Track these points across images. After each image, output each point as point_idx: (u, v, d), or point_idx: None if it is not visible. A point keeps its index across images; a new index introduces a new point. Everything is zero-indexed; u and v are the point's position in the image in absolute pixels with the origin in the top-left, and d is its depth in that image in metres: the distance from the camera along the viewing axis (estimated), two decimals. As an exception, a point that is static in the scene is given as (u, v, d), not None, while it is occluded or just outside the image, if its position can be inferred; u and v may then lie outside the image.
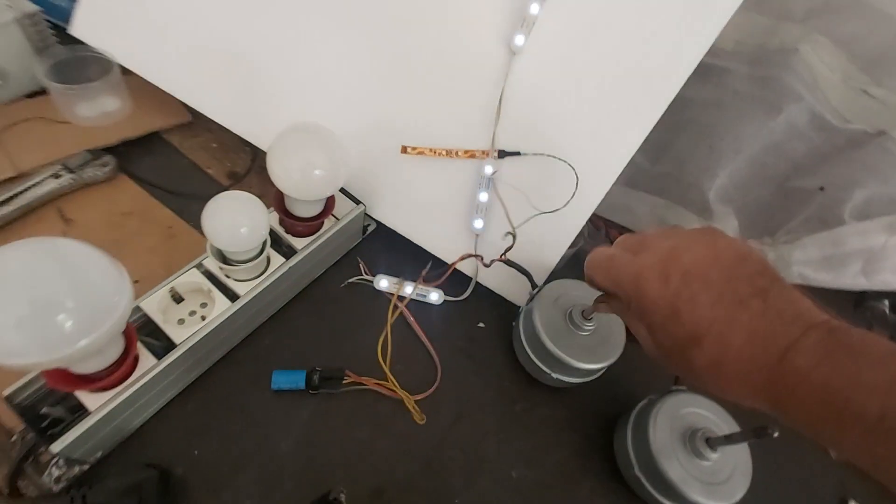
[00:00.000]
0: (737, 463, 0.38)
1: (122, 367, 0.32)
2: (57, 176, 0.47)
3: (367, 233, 0.52)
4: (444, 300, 0.49)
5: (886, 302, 0.43)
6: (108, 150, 0.50)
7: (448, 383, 0.45)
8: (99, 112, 0.52)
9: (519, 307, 0.49)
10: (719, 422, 0.39)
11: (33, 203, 0.45)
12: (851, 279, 0.38)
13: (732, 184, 0.44)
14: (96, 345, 0.26)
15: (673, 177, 0.46)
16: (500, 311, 0.50)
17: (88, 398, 0.32)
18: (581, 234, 0.52)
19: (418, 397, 0.43)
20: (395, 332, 0.46)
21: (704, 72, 0.49)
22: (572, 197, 0.41)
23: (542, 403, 0.46)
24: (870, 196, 0.39)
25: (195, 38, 0.49)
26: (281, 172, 0.36)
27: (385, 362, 0.43)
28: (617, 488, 0.42)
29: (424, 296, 0.49)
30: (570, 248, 0.51)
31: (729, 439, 0.36)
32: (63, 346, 0.25)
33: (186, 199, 0.50)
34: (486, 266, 0.44)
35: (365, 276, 0.48)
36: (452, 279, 0.49)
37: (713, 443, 0.37)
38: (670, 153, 0.47)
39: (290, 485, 0.38)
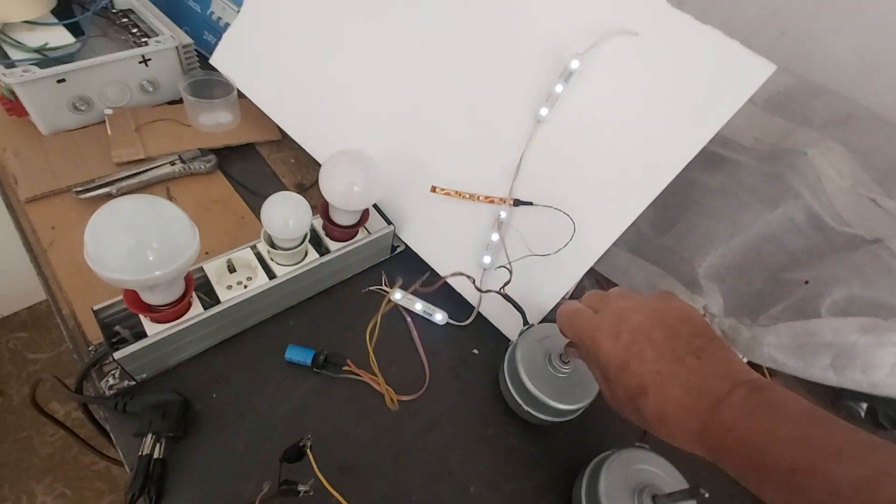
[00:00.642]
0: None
1: (178, 306, 0.42)
2: (172, 164, 0.60)
3: (396, 252, 0.60)
4: (448, 322, 0.55)
5: (864, 405, 0.42)
6: (214, 151, 0.63)
7: (432, 394, 0.50)
8: (214, 122, 0.66)
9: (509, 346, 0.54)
10: (670, 480, 0.41)
11: (151, 181, 0.58)
12: (821, 371, 0.39)
13: (724, 264, 0.47)
14: (166, 277, 0.36)
15: (671, 250, 0.50)
16: (495, 344, 0.55)
17: (149, 326, 0.42)
18: (583, 287, 0.56)
19: (402, 397, 0.49)
20: (397, 339, 0.53)
21: (718, 162, 0.53)
22: (564, 246, 0.46)
23: (514, 435, 0.49)
24: (851, 296, 0.40)
25: (293, 78, 0.62)
26: (328, 185, 0.46)
27: (373, 355, 0.50)
28: (567, 530, 0.44)
29: (430, 314, 0.55)
30: (571, 298, 0.56)
31: (671, 497, 0.38)
32: (144, 272, 0.35)
33: (260, 199, 0.61)
34: (479, 290, 0.50)
35: (384, 287, 0.56)
36: (458, 306, 0.56)
37: (658, 500, 0.39)
38: (673, 229, 0.51)
39: (278, 440, 0.44)
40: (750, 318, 0.43)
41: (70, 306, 0.48)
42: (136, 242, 0.35)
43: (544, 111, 0.49)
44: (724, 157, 0.52)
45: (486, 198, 0.53)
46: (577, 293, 0.55)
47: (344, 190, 0.45)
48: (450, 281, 0.56)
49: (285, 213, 0.44)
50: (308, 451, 0.35)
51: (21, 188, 0.54)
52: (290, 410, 0.47)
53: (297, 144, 0.67)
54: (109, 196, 0.56)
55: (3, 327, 1.34)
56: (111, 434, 0.43)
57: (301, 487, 0.35)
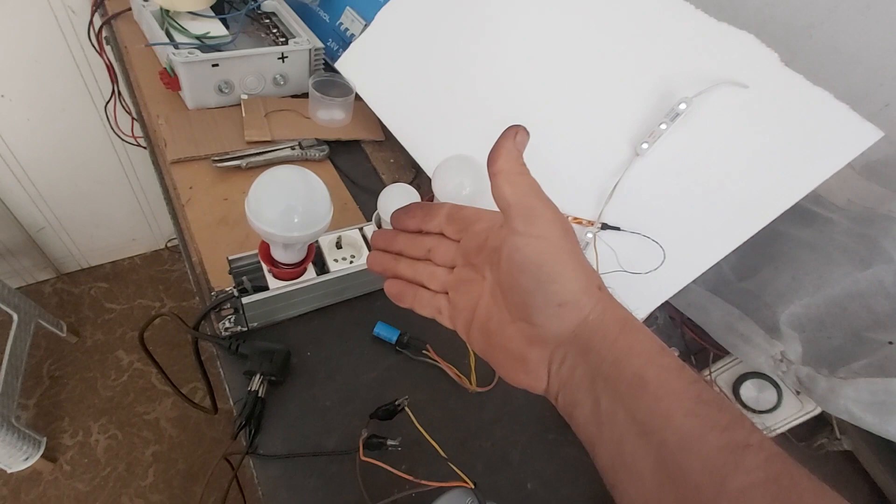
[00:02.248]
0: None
1: (299, 268, 0.47)
2: (292, 148, 0.67)
3: (477, 257, 0.64)
4: (519, 328, 0.58)
5: (942, 473, 0.42)
6: (327, 142, 0.71)
7: (499, 391, 0.53)
8: (330, 118, 0.73)
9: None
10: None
11: (274, 160, 0.66)
12: (895, 429, 0.40)
13: (806, 315, 0.48)
14: (304, 239, 0.41)
15: (752, 294, 0.51)
16: (562, 355, 0.57)
17: (272, 281, 0.48)
18: (655, 318, 0.58)
19: (476, 390, 0.52)
20: (472, 335, 0.57)
21: (809, 217, 0.55)
22: (654, 269, 0.49)
23: (573, 444, 0.51)
24: (939, 361, 0.41)
25: (407, 89, 0.69)
26: (440, 184, 0.51)
27: (470, 354, 0.53)
28: (616, 543, 0.46)
29: (505, 318, 0.59)
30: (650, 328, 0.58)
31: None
32: (290, 231, 0.40)
33: (361, 189, 0.68)
34: None
35: (464, 286, 0.60)
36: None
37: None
38: (756, 275, 0.53)
39: (359, 403, 0.49)
40: (828, 370, 0.44)
41: (199, 255, 0.55)
42: (288, 205, 0.41)
43: (644, 146, 0.52)
44: (815, 213, 0.54)
45: (576, 219, 0.56)
46: (649, 323, 0.58)
47: (454, 190, 0.50)
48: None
49: (400, 200, 0.49)
50: (407, 408, 0.39)
51: (169, 150, 0.63)
52: (372, 380, 0.51)
53: (398, 147, 0.73)
54: (239, 168, 0.64)
55: (88, 276, 1.47)
56: (221, 370, 0.49)
57: (391, 442, 0.39)
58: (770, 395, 0.49)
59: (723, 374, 0.52)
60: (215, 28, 0.71)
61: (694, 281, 0.52)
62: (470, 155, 0.53)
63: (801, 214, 0.55)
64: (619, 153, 0.54)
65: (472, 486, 0.34)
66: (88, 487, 1.13)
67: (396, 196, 0.50)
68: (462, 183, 0.51)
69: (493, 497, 0.39)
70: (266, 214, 0.40)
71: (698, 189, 0.51)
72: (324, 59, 0.77)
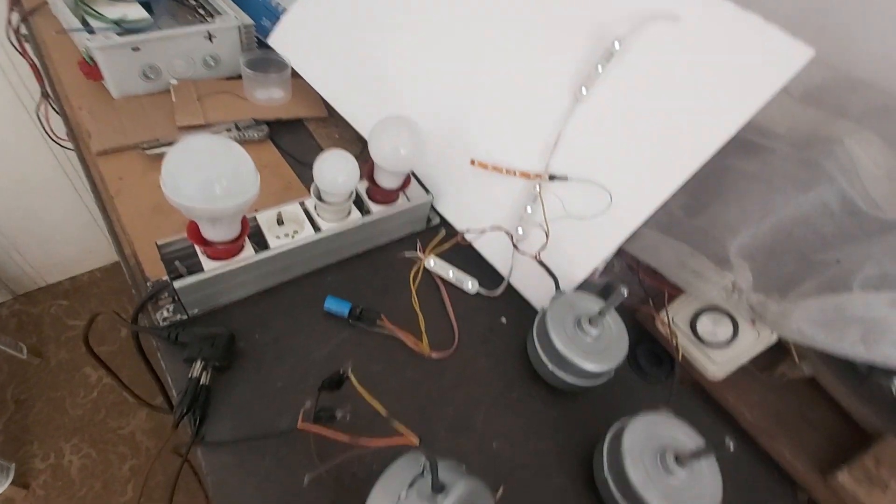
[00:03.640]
0: (705, 489, 0.40)
1: (234, 245, 0.45)
2: (229, 130, 0.64)
3: (430, 225, 0.62)
4: (478, 291, 0.57)
5: (895, 381, 0.42)
6: (266, 122, 0.68)
7: (459, 356, 0.52)
8: (268, 97, 0.70)
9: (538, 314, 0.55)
10: (689, 442, 0.41)
11: (209, 143, 0.63)
12: (850, 346, 0.39)
13: (755, 245, 0.48)
14: (229, 211, 0.39)
15: (702, 230, 0.51)
16: (523, 315, 0.56)
17: (206, 262, 0.45)
18: (612, 268, 0.58)
19: (432, 355, 0.50)
20: (429, 303, 0.55)
21: (753, 149, 0.55)
22: (601, 213, 0.48)
23: (538, 399, 0.51)
24: (883, 273, 0.40)
25: (344, 59, 0.66)
26: (376, 146, 0.49)
27: (411, 312, 0.52)
28: (586, 493, 0.45)
29: (462, 282, 0.57)
30: (601, 276, 0.57)
31: (694, 454, 0.39)
32: (212, 203, 0.38)
33: (305, 168, 0.65)
34: (516, 249, 0.52)
35: (418, 254, 0.59)
36: (488, 277, 0.58)
37: (681, 459, 0.40)
38: (706, 211, 0.52)
39: (312, 381, 0.46)
40: (779, 295, 0.44)
41: (132, 247, 0.52)
42: (207, 176, 0.38)
43: (584, 90, 0.51)
44: (758, 144, 0.53)
45: (522, 173, 0.55)
46: (606, 272, 0.57)
47: (391, 151, 0.48)
48: (483, 251, 0.58)
49: (336, 168, 0.47)
50: (350, 375, 0.37)
51: (94, 142, 0.59)
52: (325, 356, 0.49)
53: (342, 122, 0.71)
54: (171, 154, 0.61)
55: (47, 294, 1.41)
56: (162, 361, 0.46)
57: (338, 412, 0.38)
58: (726, 328, 0.49)
59: (679, 312, 0.52)
60: (133, 11, 0.67)
61: (646, 224, 0.51)
62: (405, 115, 0.51)
63: (746, 147, 0.54)
64: (561, 101, 0.53)
65: (417, 443, 0.33)
66: (66, 510, 1.09)
67: (332, 163, 0.48)
68: (398, 143, 0.49)
69: (460, 460, 0.38)
70: (184, 188, 0.38)
71: (640, 128, 0.50)
72: (256, 37, 0.74)
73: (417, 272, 0.57)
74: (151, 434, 1.22)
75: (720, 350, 0.49)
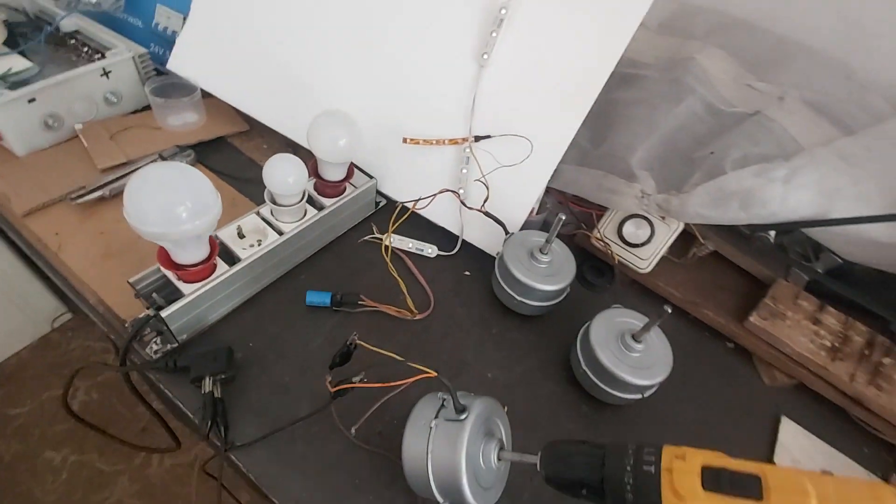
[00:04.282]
0: (659, 358, 0.50)
1: (206, 265, 0.47)
2: (154, 162, 0.64)
3: (379, 207, 0.67)
4: (438, 254, 0.63)
5: (772, 234, 0.55)
6: (190, 147, 0.68)
7: (438, 312, 0.58)
8: (182, 122, 0.70)
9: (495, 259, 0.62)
10: (639, 323, 0.51)
11: (139, 180, 0.62)
12: (734, 213, 0.50)
13: (650, 157, 0.58)
14: (196, 230, 0.41)
15: (608, 155, 0.60)
16: (482, 264, 0.63)
17: (185, 287, 0.47)
18: (545, 205, 0.66)
19: (417, 317, 0.56)
20: (399, 274, 0.60)
21: (631, 80, 0.65)
22: (526, 158, 0.56)
23: (514, 329, 0.58)
24: (745, 154, 0.52)
25: (252, 68, 0.68)
26: (316, 141, 0.52)
27: (400, 284, 0.57)
28: (570, 389, 0.53)
29: (422, 250, 0.63)
30: (538, 215, 0.65)
31: (645, 328, 0.48)
32: (178, 225, 0.40)
33: (244, 183, 0.67)
34: (465, 205, 0.59)
35: (376, 235, 0.63)
36: (443, 238, 0.64)
37: (636, 336, 0.49)
38: (607, 139, 0.62)
39: (317, 368, 0.51)
40: (676, 191, 0.54)
41: (95, 295, 0.52)
42: (168, 200, 0.40)
43: (485, 56, 0.58)
44: (634, 75, 0.64)
45: (451, 140, 0.61)
46: (541, 210, 0.65)
47: (330, 142, 0.52)
48: (434, 218, 0.64)
49: (285, 171, 0.50)
50: (358, 342, 0.42)
51: (15, 204, 0.57)
52: (321, 344, 0.53)
53: (266, 132, 0.73)
54: (103, 198, 0.60)
55: (-30, 392, 1.27)
56: (167, 391, 0.48)
57: (355, 379, 0.42)
58: (645, 229, 0.59)
59: (607, 227, 0.61)
60: (16, 63, 0.63)
61: (562, 162, 0.59)
62: (338, 108, 0.55)
63: (625, 79, 0.64)
64: (468, 69, 0.59)
65: (436, 374, 0.39)
66: None
67: (279, 167, 0.51)
68: (336, 135, 0.53)
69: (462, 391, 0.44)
70: (150, 216, 0.40)
71: (540, 80, 0.57)
72: (153, 66, 0.72)
73: (387, 250, 0.61)
74: (141, 494, 1.16)
75: (644, 248, 0.59)
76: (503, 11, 0.55)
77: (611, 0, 0.54)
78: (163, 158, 0.65)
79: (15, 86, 0.60)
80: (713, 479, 0.29)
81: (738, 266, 0.63)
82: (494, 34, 0.57)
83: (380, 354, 0.41)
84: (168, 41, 0.74)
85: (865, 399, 0.51)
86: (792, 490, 0.27)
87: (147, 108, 0.72)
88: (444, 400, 0.41)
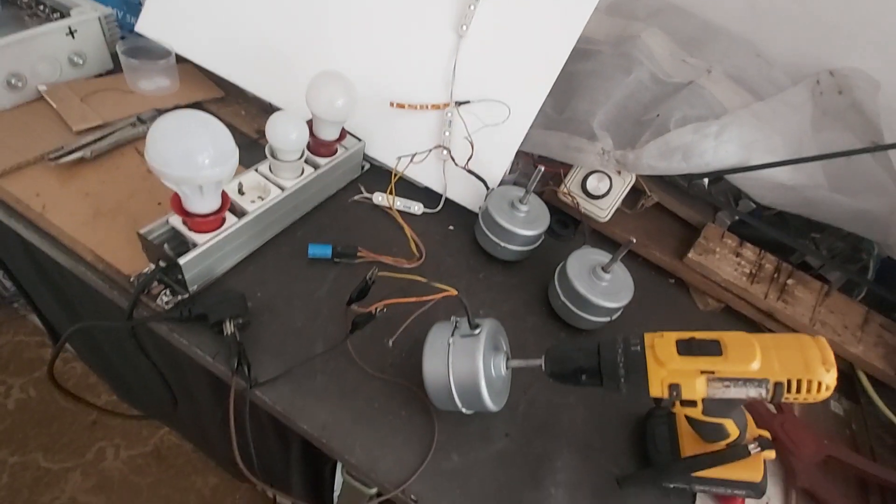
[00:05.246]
0: (623, 285, 0.59)
1: (218, 216, 0.49)
2: (134, 125, 0.63)
3: (364, 170, 0.71)
4: (424, 211, 0.69)
5: (706, 181, 0.67)
6: (168, 111, 0.67)
7: (429, 262, 0.63)
8: (155, 87, 0.69)
9: (477, 215, 0.69)
10: (605, 259, 0.60)
11: (120, 142, 0.61)
12: (677, 164, 0.61)
13: (607, 120, 0.67)
14: (216, 176, 0.44)
15: (571, 119, 0.69)
16: (464, 219, 0.69)
17: (197, 237, 0.49)
18: (517, 164, 0.74)
19: (413, 264, 0.61)
20: (388, 231, 0.65)
21: (586, 54, 0.74)
22: (506, 120, 0.63)
23: (498, 274, 0.65)
24: (684, 116, 0.63)
25: (229, 30, 0.68)
26: (315, 99, 0.55)
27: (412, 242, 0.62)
28: (549, 321, 0.62)
29: (409, 207, 0.68)
30: (511, 174, 0.72)
31: (612, 260, 0.57)
32: (200, 170, 0.42)
33: (227, 147, 0.68)
34: (454, 161, 0.64)
35: (365, 195, 0.67)
36: (428, 197, 0.69)
37: (605, 268, 0.58)
38: (569, 106, 0.70)
39: (326, 311, 0.54)
40: (631, 147, 0.64)
41: (92, 253, 0.52)
42: (193, 146, 0.42)
43: (464, 27, 0.63)
44: (589, 50, 0.73)
45: (434, 105, 0.66)
46: (513, 170, 0.72)
47: (329, 101, 0.56)
48: (419, 178, 0.69)
49: (288, 127, 0.53)
50: (378, 273, 0.47)
51: (-15, 165, 0.54)
52: (327, 292, 0.57)
53: (242, 96, 0.73)
54: (83, 159, 0.58)
55: None
56: (182, 339, 0.49)
57: (375, 308, 0.47)
58: (605, 183, 0.68)
59: (572, 182, 0.70)
60: (-37, 16, 0.59)
61: (532, 127, 0.67)
62: (335, 69, 0.58)
63: (581, 54, 0.73)
64: (448, 39, 0.65)
65: (456, 293, 0.44)
66: None
67: (284, 123, 0.53)
68: (334, 94, 0.56)
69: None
70: (173, 160, 0.41)
71: (512, 51, 0.64)
72: (119, 28, 0.70)
73: (390, 206, 0.66)
74: (97, 490, 1.10)
75: (604, 199, 0.69)
76: (481, -14, 0.61)
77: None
78: (142, 121, 0.64)
79: (-29, 41, 0.57)
80: (685, 347, 0.38)
81: (676, 215, 0.75)
82: (472, 7, 0.62)
83: (399, 280, 0.47)
84: (133, 4, 0.71)
85: (776, 312, 0.64)
86: (742, 345, 0.37)
87: (112, 72, 0.70)
88: (457, 322, 0.47)
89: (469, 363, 0.44)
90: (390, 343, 0.45)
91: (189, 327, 0.50)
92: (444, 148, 0.66)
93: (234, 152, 0.45)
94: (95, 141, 0.59)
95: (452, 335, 0.46)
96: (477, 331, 0.45)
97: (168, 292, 0.50)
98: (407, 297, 0.45)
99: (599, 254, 0.61)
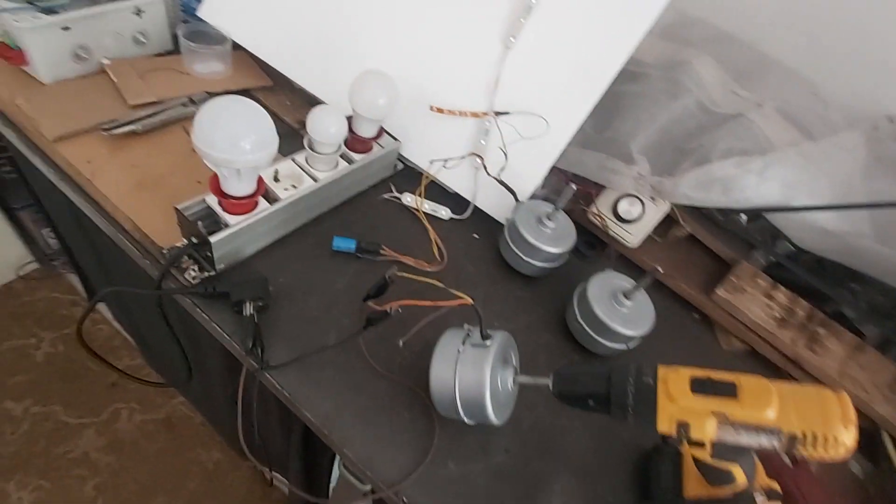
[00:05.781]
0: (644, 314, 0.58)
1: (252, 199, 0.51)
2: (185, 105, 0.66)
3: (397, 170, 0.72)
4: (451, 217, 0.69)
5: (743, 217, 0.64)
6: (217, 95, 0.70)
7: (450, 267, 0.63)
8: (209, 70, 0.72)
9: (503, 225, 0.69)
10: (629, 284, 0.59)
11: (168, 120, 0.64)
12: (716, 197, 0.59)
13: (647, 144, 0.66)
14: (256, 161, 0.45)
15: (610, 139, 0.68)
16: (490, 228, 0.69)
17: (230, 218, 0.50)
18: (549, 181, 0.73)
19: (433, 268, 0.62)
20: (413, 232, 0.65)
21: (634, 76, 0.73)
22: (544, 133, 0.62)
23: (518, 287, 0.65)
24: (729, 148, 0.61)
25: (282, 22, 0.70)
26: (358, 96, 0.57)
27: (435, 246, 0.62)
28: (564, 340, 0.61)
29: (436, 211, 0.68)
30: (542, 189, 0.72)
31: (635, 287, 0.56)
32: (242, 155, 0.44)
33: (268, 134, 0.70)
34: (487, 170, 0.65)
35: (395, 194, 0.68)
36: (457, 203, 0.69)
37: (627, 295, 0.57)
38: (609, 126, 0.70)
39: (343, 304, 0.55)
40: (668, 175, 0.63)
41: (132, 222, 0.54)
42: (238, 130, 0.44)
43: (512, 39, 0.64)
44: (637, 72, 0.72)
45: (473, 113, 0.67)
46: (545, 185, 0.72)
47: (371, 100, 0.57)
48: (449, 183, 0.69)
49: (330, 120, 0.54)
50: (397, 274, 0.47)
51: (46, 129, 0.57)
52: (346, 286, 0.57)
53: (288, 88, 0.75)
54: (134, 133, 0.61)
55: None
56: (205, 313, 0.51)
57: (390, 307, 0.47)
58: (637, 208, 0.67)
59: (603, 204, 0.69)
60: (44, -12, 0.63)
61: (569, 144, 0.66)
62: (380, 69, 0.59)
63: (629, 75, 0.72)
64: (495, 49, 0.65)
65: (472, 302, 0.44)
66: (31, 546, 1.02)
67: (325, 116, 0.55)
68: (377, 93, 0.57)
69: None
70: (218, 142, 0.43)
71: (558, 67, 0.64)
72: (182, 11, 0.74)
73: (418, 208, 0.67)
74: (109, 450, 1.15)
75: (635, 224, 0.67)
76: (533, 1, 0.61)
77: (626, 5, 0.61)
78: (193, 102, 0.67)
79: (46, 11, 0.61)
80: (699, 386, 0.37)
81: (708, 248, 0.73)
82: (523, 20, 0.63)
83: (417, 282, 0.47)
84: (195, -11, 0.75)
85: (803, 360, 0.61)
86: (759, 391, 0.35)
87: (170, 52, 0.74)
88: (469, 331, 0.47)
89: (476, 374, 0.44)
90: (401, 343, 0.46)
91: (211, 304, 0.51)
92: (478, 156, 0.66)
93: (274, 140, 0.47)
94: (147, 116, 0.62)
95: (463, 343, 0.46)
96: (488, 342, 0.45)
97: (196, 268, 0.52)
98: (423, 300, 0.45)
99: (623, 279, 0.60)
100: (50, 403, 1.20)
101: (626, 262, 0.71)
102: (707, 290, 0.67)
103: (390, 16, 0.68)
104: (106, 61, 0.66)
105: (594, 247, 0.72)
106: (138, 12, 0.67)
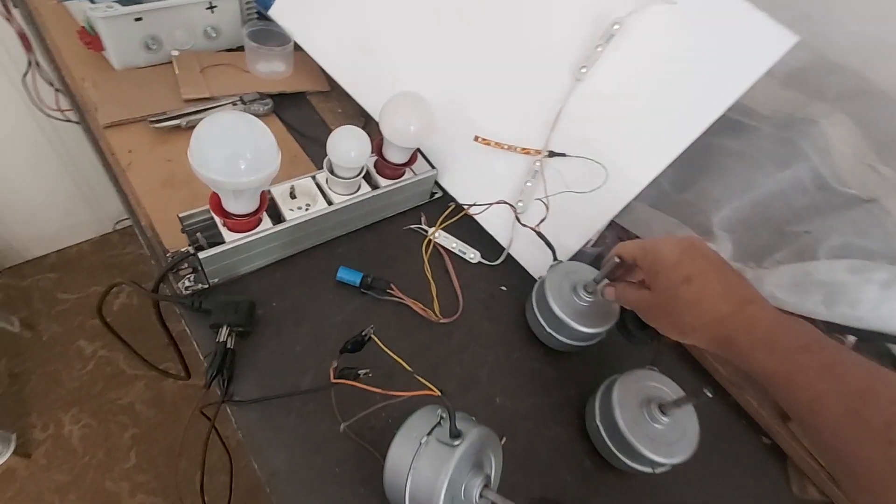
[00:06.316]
0: (683, 436, 0.45)
1: (253, 218, 0.47)
2: (234, 104, 0.65)
3: (433, 198, 0.65)
4: (480, 261, 0.61)
5: (851, 339, 0.48)
6: (270, 96, 0.69)
7: (464, 320, 0.56)
8: (270, 70, 0.71)
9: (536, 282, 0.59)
10: (672, 394, 0.47)
11: (214, 117, 0.64)
12: (813, 306, 0.44)
13: (736, 217, 0.52)
14: (253, 184, 0.41)
15: (688, 204, 0.55)
16: (521, 282, 0.60)
17: (227, 234, 0.48)
18: (604, 238, 0.62)
19: (441, 320, 0.54)
20: (435, 272, 0.58)
21: (739, 128, 0.59)
22: (599, 187, 0.52)
23: (536, 360, 0.55)
24: (845, 243, 0.45)
25: (348, 33, 0.67)
26: (388, 121, 0.51)
27: (431, 286, 0.56)
28: (577, 439, 0.50)
29: (464, 253, 0.61)
30: (594, 246, 0.61)
31: (676, 403, 0.44)
32: (236, 177, 0.40)
33: (310, 141, 0.67)
34: (519, 221, 0.55)
35: (422, 226, 0.62)
36: (488, 248, 0.61)
37: (664, 408, 0.45)
38: (693, 186, 0.57)
39: (330, 344, 0.50)
40: (755, 263, 0.49)
41: (148, 219, 0.54)
42: (233, 151, 0.40)
43: (583, 70, 0.54)
44: (743, 124, 0.57)
45: (523, 149, 0.58)
46: (599, 243, 0.61)
47: (402, 126, 0.51)
48: (484, 223, 0.61)
49: (349, 143, 0.49)
50: (373, 336, 0.41)
51: (100, 114, 0.59)
52: (340, 322, 0.52)
53: (344, 96, 0.72)
54: (179, 128, 0.62)
55: (34, 268, 1.40)
56: (187, 327, 0.49)
57: (361, 371, 0.41)
58: (708, 294, 0.53)
59: (666, 280, 0.56)
60: (130, -21, 0.66)
61: (637, 198, 0.55)
62: (414, 91, 0.53)
63: (732, 126, 0.58)
64: (561, 80, 0.56)
65: (439, 394, 0.37)
66: (69, 477, 1.12)
67: (345, 139, 0.50)
68: (409, 119, 0.51)
69: (465, 412, 0.42)
70: (212, 162, 0.40)
71: (635, 108, 0.53)
72: (256, 9, 0.74)
73: (428, 245, 0.60)
74: (151, 404, 1.24)
75: (701, 313, 0.54)
76: (616, 27, 0.51)
77: (742, 40, 0.48)
78: (243, 102, 0.66)
79: (125, 2, 0.63)
80: None
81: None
82: (600, 49, 0.53)
83: (390, 357, 0.40)
84: (275, -12, 0.74)
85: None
86: None
87: (238, 48, 0.74)
88: (441, 418, 0.39)
89: (433, 476, 0.36)
90: (342, 428, 0.39)
91: (197, 318, 0.49)
92: (508, 204, 0.57)
93: (272, 162, 0.43)
94: (194, 112, 0.62)
95: (430, 433, 0.38)
96: (457, 442, 0.37)
97: (192, 277, 0.50)
98: (386, 379, 0.38)
99: (665, 383, 0.48)
100: (115, 350, 1.32)
101: (683, 356, 0.58)
102: (783, 414, 0.52)
103: (448, 32, 0.61)
104: (175, 53, 0.67)
105: (646, 326, 0.59)
106: (211, 7, 0.67)
